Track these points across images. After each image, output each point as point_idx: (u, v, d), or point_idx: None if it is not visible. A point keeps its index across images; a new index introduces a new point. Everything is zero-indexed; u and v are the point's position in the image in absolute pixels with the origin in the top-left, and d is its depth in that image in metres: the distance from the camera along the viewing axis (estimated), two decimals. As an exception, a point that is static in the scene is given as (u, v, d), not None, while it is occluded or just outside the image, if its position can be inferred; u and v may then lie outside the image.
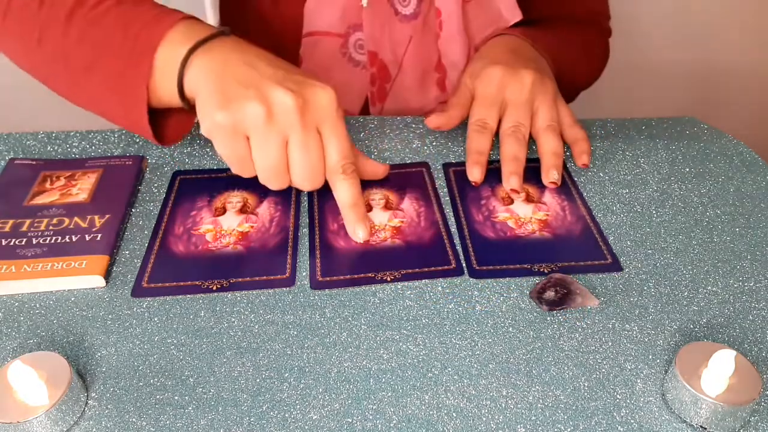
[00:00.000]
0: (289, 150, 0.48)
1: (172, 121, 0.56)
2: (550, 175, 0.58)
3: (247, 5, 0.73)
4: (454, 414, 0.40)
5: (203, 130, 0.49)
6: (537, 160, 0.60)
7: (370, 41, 0.68)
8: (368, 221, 0.53)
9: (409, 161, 0.62)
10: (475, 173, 0.58)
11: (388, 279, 0.49)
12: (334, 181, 0.51)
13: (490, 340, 0.45)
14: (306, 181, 0.50)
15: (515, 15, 0.68)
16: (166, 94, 0.51)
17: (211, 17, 1.00)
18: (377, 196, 0.57)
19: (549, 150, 0.59)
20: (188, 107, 0.51)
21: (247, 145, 0.48)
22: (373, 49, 0.68)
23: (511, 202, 0.56)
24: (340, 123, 0.49)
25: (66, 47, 0.52)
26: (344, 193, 0.51)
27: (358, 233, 0.52)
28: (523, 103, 0.60)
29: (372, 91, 0.71)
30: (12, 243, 0.51)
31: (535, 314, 0.46)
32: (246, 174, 0.50)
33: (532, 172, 0.59)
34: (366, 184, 0.58)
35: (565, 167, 0.61)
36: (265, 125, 0.47)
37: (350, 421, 0.40)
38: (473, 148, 0.59)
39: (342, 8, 0.67)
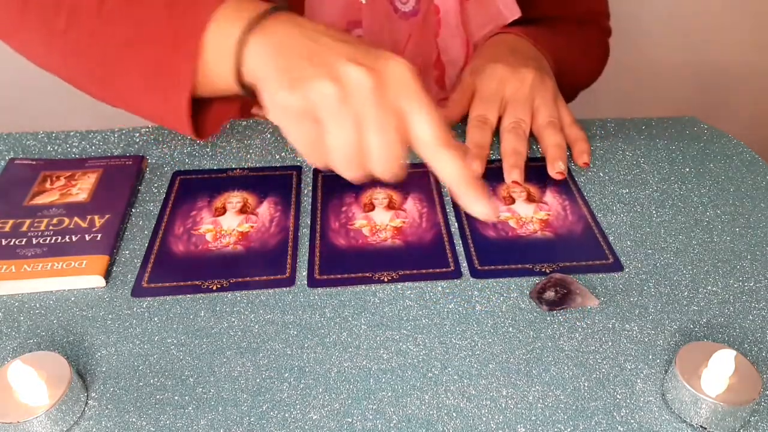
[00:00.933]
0: (366, 133, 0.42)
1: (210, 112, 0.51)
2: (557, 165, 0.58)
3: None
4: (454, 414, 0.40)
5: (271, 116, 0.44)
6: (538, 159, 0.60)
7: (369, 38, 0.68)
8: (486, 195, 0.44)
9: (411, 161, 0.61)
10: (475, 166, 0.57)
11: (386, 279, 0.49)
12: (432, 159, 0.44)
13: (490, 340, 0.45)
14: (386, 169, 0.44)
15: (514, 12, 0.68)
16: (219, 79, 0.46)
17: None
18: (381, 195, 0.57)
19: (553, 143, 0.59)
20: (246, 93, 0.46)
21: (319, 129, 0.43)
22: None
23: (513, 201, 0.56)
24: (424, 95, 0.43)
25: (99, 29, 0.48)
26: (449, 168, 0.43)
27: (476, 210, 0.44)
28: (524, 100, 0.60)
29: None
30: (12, 243, 0.51)
31: (535, 314, 0.46)
32: (320, 163, 0.45)
33: (533, 171, 0.59)
34: (370, 183, 0.58)
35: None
36: (339, 106, 0.41)
37: (350, 421, 0.40)
38: (473, 142, 0.59)
39: (342, 5, 0.67)
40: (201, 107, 0.50)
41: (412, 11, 0.68)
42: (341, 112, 0.42)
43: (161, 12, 0.46)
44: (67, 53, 0.50)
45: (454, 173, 0.43)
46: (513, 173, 0.57)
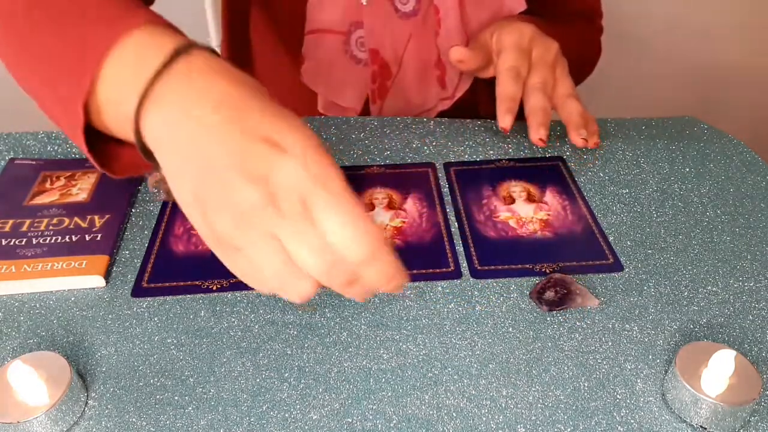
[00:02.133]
0: (288, 246, 0.36)
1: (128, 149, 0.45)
2: (582, 132, 0.58)
3: (252, 5, 0.73)
4: (454, 414, 0.40)
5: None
6: (538, 159, 0.60)
7: (371, 39, 0.68)
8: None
9: (410, 161, 0.62)
10: (507, 120, 0.57)
11: (388, 279, 0.49)
12: (360, 267, 0.37)
13: (490, 340, 0.45)
14: (326, 275, 0.36)
15: (520, 3, 0.68)
16: (113, 125, 0.41)
17: (211, 17, 1.00)
18: (381, 195, 0.57)
19: (576, 111, 0.59)
20: (150, 159, 0.40)
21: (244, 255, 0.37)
22: (374, 47, 0.68)
23: (513, 201, 0.56)
24: (324, 187, 0.35)
25: (24, 40, 0.45)
26: (377, 275, 0.37)
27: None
28: (549, 65, 0.61)
29: (373, 88, 0.71)
30: (12, 243, 0.51)
31: (535, 314, 0.46)
32: (266, 290, 0.38)
33: (533, 171, 0.59)
34: (370, 183, 0.58)
35: (566, 166, 0.61)
36: (243, 231, 0.36)
37: (350, 421, 0.40)
38: (507, 94, 0.58)
39: (343, 6, 0.67)
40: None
41: (413, 11, 0.68)
42: (247, 236, 0.36)
43: (66, 29, 0.42)
44: (5, 54, 0.48)
45: (384, 276, 0.37)
46: (540, 131, 0.57)
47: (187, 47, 0.39)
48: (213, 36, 1.01)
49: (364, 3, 0.66)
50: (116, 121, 0.41)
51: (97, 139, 0.44)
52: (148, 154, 0.39)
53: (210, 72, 0.38)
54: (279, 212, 0.35)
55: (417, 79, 0.72)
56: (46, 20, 0.44)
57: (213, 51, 0.40)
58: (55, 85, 0.43)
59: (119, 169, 0.46)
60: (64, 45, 0.42)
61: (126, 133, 0.40)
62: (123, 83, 0.39)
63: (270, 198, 0.35)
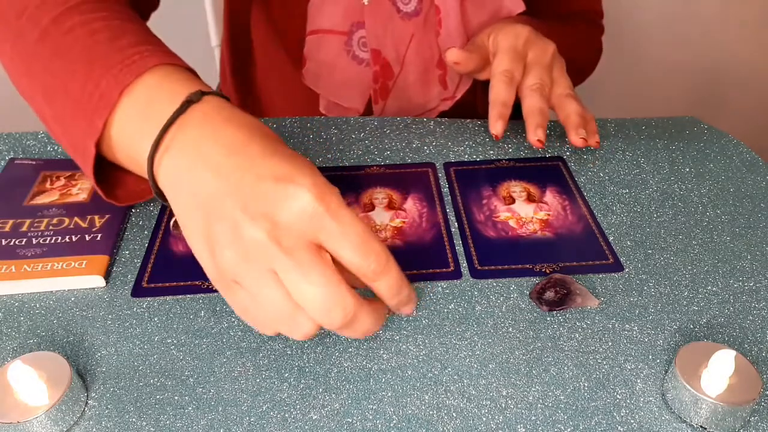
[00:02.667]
0: (288, 285, 0.37)
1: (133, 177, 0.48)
2: (580, 132, 0.58)
3: (253, 5, 0.73)
4: (454, 414, 0.40)
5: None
6: (538, 159, 0.60)
7: (372, 39, 0.68)
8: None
9: (410, 161, 0.62)
10: (498, 127, 0.57)
11: (388, 279, 0.49)
12: (372, 285, 0.40)
13: (490, 340, 0.45)
14: (325, 315, 0.37)
15: (518, 5, 0.68)
16: (125, 163, 0.44)
17: (211, 17, 1.00)
18: (380, 195, 0.57)
19: (575, 111, 0.59)
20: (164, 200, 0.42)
21: (248, 295, 0.38)
22: (376, 47, 0.68)
23: (513, 201, 0.56)
24: (334, 219, 0.37)
25: (32, 69, 0.47)
26: (387, 290, 0.40)
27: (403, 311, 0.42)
28: (546, 66, 0.61)
29: (375, 88, 0.71)
30: (12, 243, 0.51)
31: (535, 314, 0.46)
32: (270, 332, 0.40)
33: (533, 171, 0.59)
34: (370, 183, 0.58)
35: (566, 166, 0.61)
36: (247, 268, 0.37)
37: (350, 421, 0.40)
38: (499, 99, 0.58)
39: (344, 6, 0.67)
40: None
41: (414, 11, 0.68)
42: (251, 273, 0.37)
43: (78, 73, 0.44)
44: (11, 70, 0.50)
45: (395, 287, 0.40)
46: (538, 132, 0.57)
47: (198, 95, 0.41)
48: (213, 36, 1.01)
49: (365, 2, 0.66)
50: (128, 159, 0.44)
51: (101, 166, 0.46)
52: (160, 194, 0.42)
53: (221, 120, 0.40)
54: (282, 248, 0.36)
55: (419, 79, 0.72)
56: (55, 52, 0.45)
57: (223, 97, 0.42)
58: (65, 121, 0.45)
59: (124, 196, 0.49)
60: (74, 82, 0.44)
61: (137, 170, 0.43)
62: (136, 129, 0.42)
63: (275, 236, 0.36)
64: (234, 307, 0.40)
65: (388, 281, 0.39)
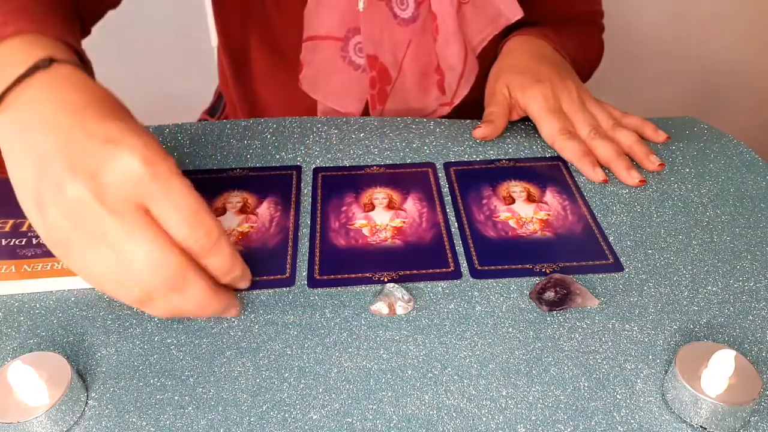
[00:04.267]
0: (116, 246, 0.37)
1: None
2: (653, 159, 0.60)
3: (249, 11, 0.73)
4: (454, 414, 0.40)
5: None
6: (538, 159, 0.60)
7: (369, 44, 0.68)
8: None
9: (410, 161, 0.62)
10: (599, 174, 0.59)
11: (386, 279, 0.49)
12: (202, 262, 0.40)
13: (490, 340, 0.45)
14: (151, 276, 0.37)
15: (516, 12, 0.68)
16: None
17: (211, 17, 1.00)
18: (381, 195, 0.57)
19: (631, 142, 0.61)
20: None
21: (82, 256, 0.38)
22: (373, 53, 0.68)
23: (513, 201, 0.56)
24: (162, 185, 0.37)
25: None
26: (219, 261, 0.40)
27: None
28: (581, 109, 0.64)
29: (372, 93, 0.71)
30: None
31: (535, 314, 0.46)
32: (105, 290, 0.40)
33: (533, 171, 0.59)
34: (370, 183, 0.58)
35: (566, 166, 0.61)
36: (71, 227, 0.37)
37: (350, 421, 0.40)
38: (578, 154, 0.60)
39: (340, 12, 0.66)
40: None
41: (411, 17, 0.68)
42: (77, 232, 0.37)
43: None
44: None
45: (226, 265, 0.40)
46: (632, 174, 0.59)
47: (47, 62, 0.40)
48: (213, 36, 1.01)
49: (361, 9, 0.65)
50: None
51: None
52: None
53: (65, 84, 0.40)
54: (107, 208, 0.36)
55: (417, 84, 0.72)
56: None
57: (78, 65, 0.42)
58: None
59: None
60: None
61: None
62: None
63: (97, 194, 0.36)
64: (73, 270, 0.39)
65: (219, 259, 0.40)
